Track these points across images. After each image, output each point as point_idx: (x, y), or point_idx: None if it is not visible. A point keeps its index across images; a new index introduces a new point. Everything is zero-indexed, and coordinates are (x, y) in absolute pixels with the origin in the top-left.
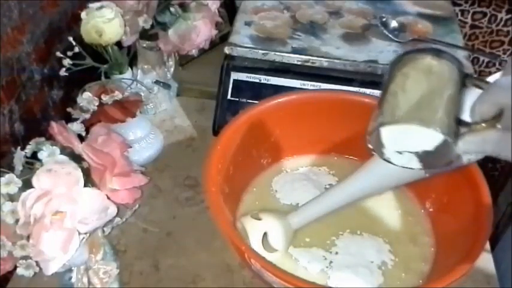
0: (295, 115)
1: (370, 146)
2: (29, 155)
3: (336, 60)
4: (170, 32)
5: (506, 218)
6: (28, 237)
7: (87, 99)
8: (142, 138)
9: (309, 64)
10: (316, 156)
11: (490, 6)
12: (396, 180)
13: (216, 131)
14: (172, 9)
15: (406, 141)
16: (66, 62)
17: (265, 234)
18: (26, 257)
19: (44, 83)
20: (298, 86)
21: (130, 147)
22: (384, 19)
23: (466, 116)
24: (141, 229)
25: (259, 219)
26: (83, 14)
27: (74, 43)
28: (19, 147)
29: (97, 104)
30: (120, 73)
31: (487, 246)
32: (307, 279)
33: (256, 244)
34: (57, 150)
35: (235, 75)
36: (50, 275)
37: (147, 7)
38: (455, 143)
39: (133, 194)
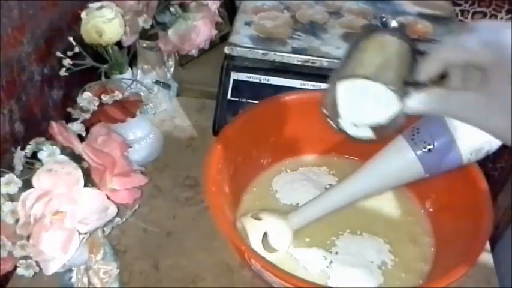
0: (295, 115)
1: (324, 111)
2: (29, 155)
3: (336, 60)
4: (170, 32)
5: (506, 218)
6: (28, 237)
7: (87, 99)
8: (142, 138)
9: (309, 64)
10: (316, 156)
11: (490, 6)
12: (396, 180)
13: (216, 131)
14: (172, 9)
15: (360, 107)
16: (66, 62)
17: (265, 234)
18: (26, 257)
19: (44, 83)
20: (298, 86)
21: (131, 147)
22: (384, 19)
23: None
24: (141, 229)
25: (259, 219)
26: (83, 14)
27: (74, 43)
28: (19, 147)
29: (97, 104)
30: (120, 73)
31: (487, 246)
32: (307, 279)
33: (256, 244)
34: (57, 150)
35: (235, 75)
36: (50, 275)
37: (147, 7)
38: (403, 101)
39: (133, 194)
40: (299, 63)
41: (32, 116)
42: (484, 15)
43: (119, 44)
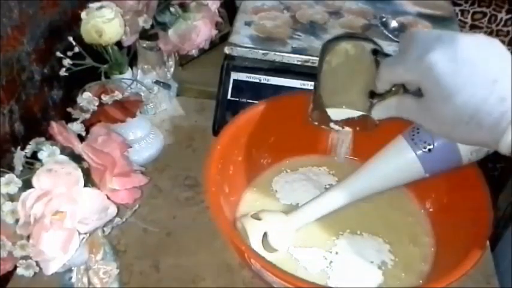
0: (295, 115)
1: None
2: (29, 155)
3: None
4: (170, 32)
5: (506, 218)
6: (28, 237)
7: (87, 99)
8: (142, 138)
9: (309, 64)
10: (316, 156)
11: (490, 6)
12: (396, 180)
13: (216, 131)
14: (172, 9)
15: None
16: (66, 62)
17: (265, 234)
18: (26, 257)
19: (44, 83)
20: (298, 86)
21: (131, 147)
22: (384, 19)
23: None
24: (141, 229)
25: (259, 219)
26: (83, 14)
27: (74, 43)
28: (19, 147)
29: (97, 104)
30: (120, 73)
31: (487, 246)
32: (307, 279)
33: (256, 244)
34: (57, 150)
35: (235, 75)
36: (50, 275)
37: (147, 7)
38: (370, 113)
39: (133, 194)
40: (299, 63)
41: (32, 116)
42: (484, 15)
43: (119, 44)
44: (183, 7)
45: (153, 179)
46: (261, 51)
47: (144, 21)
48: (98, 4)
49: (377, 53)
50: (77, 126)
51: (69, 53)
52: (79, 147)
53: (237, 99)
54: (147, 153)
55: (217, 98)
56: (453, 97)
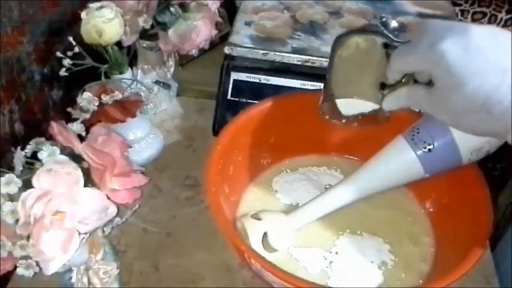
0: (295, 115)
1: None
2: (29, 155)
3: None
4: (170, 32)
5: (506, 218)
6: (28, 237)
7: (87, 99)
8: (142, 138)
9: (309, 64)
10: (316, 156)
11: (490, 6)
12: (396, 180)
13: (216, 131)
14: (172, 9)
15: (352, 105)
16: (66, 62)
17: (265, 234)
18: (26, 257)
19: (44, 83)
20: (298, 86)
21: (131, 147)
22: (384, 19)
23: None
24: (141, 229)
25: (259, 219)
26: (83, 14)
27: (74, 43)
28: (19, 147)
29: (97, 104)
30: (120, 73)
31: (487, 246)
32: (307, 279)
33: (256, 244)
34: (57, 150)
35: (235, 75)
36: (50, 275)
37: (147, 7)
38: (381, 104)
39: (133, 194)
40: (299, 63)
41: (32, 116)
42: (484, 15)
43: (119, 44)
44: (183, 7)
45: (153, 179)
46: (261, 51)
47: (144, 21)
48: (98, 4)
49: (388, 46)
50: (77, 126)
51: (69, 53)
52: (79, 147)
53: (237, 99)
54: (147, 153)
55: (217, 98)
56: (464, 85)
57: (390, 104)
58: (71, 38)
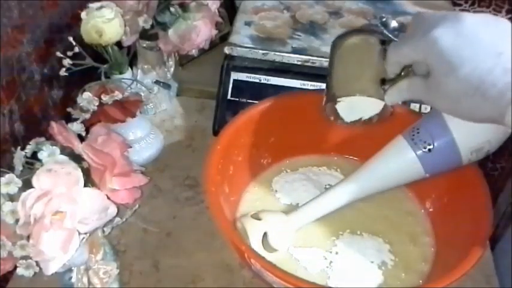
0: (295, 115)
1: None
2: (29, 155)
3: None
4: (170, 32)
5: (506, 218)
6: (28, 237)
7: (87, 99)
8: (142, 138)
9: (309, 64)
10: (316, 156)
11: (490, 6)
12: (396, 180)
13: (216, 131)
14: (172, 9)
15: (356, 107)
16: (66, 62)
17: (265, 234)
18: (26, 257)
19: (44, 83)
20: (298, 86)
21: (131, 147)
22: (384, 19)
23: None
24: (141, 229)
25: (259, 219)
26: (83, 14)
27: (74, 43)
28: (19, 147)
29: (97, 104)
30: (120, 73)
31: (487, 246)
32: (307, 279)
33: (256, 244)
34: (57, 150)
35: (235, 75)
36: (50, 275)
37: (147, 7)
38: (383, 99)
39: (133, 194)
40: (299, 63)
41: (32, 116)
42: None
43: (119, 44)
44: (183, 7)
45: (153, 179)
46: (261, 51)
47: (144, 21)
48: (98, 4)
49: (385, 43)
50: (77, 126)
51: (69, 53)
52: (79, 147)
53: (237, 99)
54: (147, 153)
55: (217, 98)
56: (457, 70)
57: (392, 97)
58: (71, 38)
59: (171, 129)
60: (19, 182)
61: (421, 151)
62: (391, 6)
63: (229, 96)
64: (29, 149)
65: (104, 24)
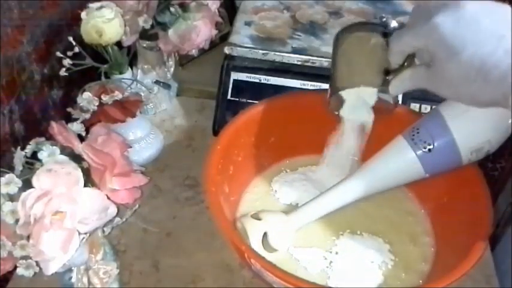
0: (295, 115)
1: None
2: (29, 155)
3: None
4: (170, 32)
5: (506, 218)
6: (28, 237)
7: (87, 99)
8: (142, 138)
9: (309, 64)
10: (316, 156)
11: None
12: (396, 180)
13: (216, 131)
14: (172, 9)
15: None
16: (66, 62)
17: (265, 234)
18: (26, 257)
19: (44, 83)
20: (298, 86)
21: (131, 147)
22: (384, 19)
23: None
24: (141, 229)
25: (259, 219)
26: (83, 14)
27: (74, 43)
28: (19, 147)
29: (97, 104)
30: (120, 73)
31: (487, 246)
32: (307, 279)
33: (256, 244)
34: (57, 150)
35: (235, 75)
36: (50, 275)
37: (147, 7)
38: (387, 90)
39: (133, 194)
40: (299, 63)
41: (32, 116)
42: None
43: (119, 44)
44: (183, 7)
45: (153, 179)
46: (261, 51)
47: (144, 21)
48: (98, 4)
49: (387, 35)
50: (77, 126)
51: (69, 53)
52: (79, 147)
53: (237, 99)
54: (147, 153)
55: (217, 98)
56: (458, 54)
57: (396, 88)
58: (71, 38)
59: (171, 129)
60: (19, 182)
61: (421, 151)
62: (391, 6)
63: (229, 96)
64: (29, 149)
65: (104, 24)
